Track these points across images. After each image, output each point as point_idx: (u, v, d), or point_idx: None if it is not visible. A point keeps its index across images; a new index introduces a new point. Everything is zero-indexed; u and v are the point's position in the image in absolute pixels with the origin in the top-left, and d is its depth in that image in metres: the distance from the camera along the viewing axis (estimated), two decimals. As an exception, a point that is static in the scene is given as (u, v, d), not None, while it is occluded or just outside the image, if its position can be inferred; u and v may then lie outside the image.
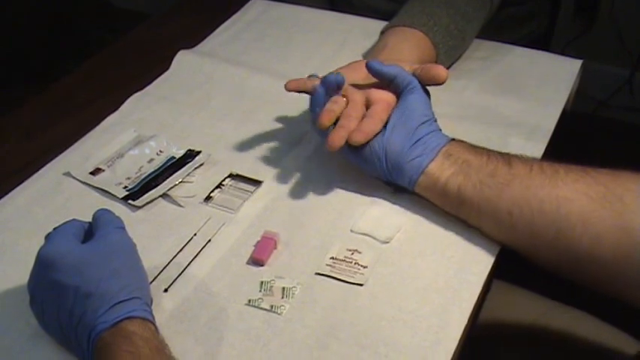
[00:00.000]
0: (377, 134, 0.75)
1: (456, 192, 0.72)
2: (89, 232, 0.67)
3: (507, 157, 0.72)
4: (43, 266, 0.63)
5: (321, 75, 0.81)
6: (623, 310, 0.69)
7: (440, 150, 0.73)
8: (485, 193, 0.70)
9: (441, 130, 0.76)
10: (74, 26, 2.44)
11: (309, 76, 0.81)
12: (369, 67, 0.78)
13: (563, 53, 1.02)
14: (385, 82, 0.78)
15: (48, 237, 0.66)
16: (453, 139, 0.75)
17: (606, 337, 0.83)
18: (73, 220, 0.68)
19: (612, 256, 0.64)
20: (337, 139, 0.74)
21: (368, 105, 0.78)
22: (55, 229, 0.67)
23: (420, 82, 0.77)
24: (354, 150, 0.75)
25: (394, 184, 0.77)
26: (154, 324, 0.62)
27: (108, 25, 2.44)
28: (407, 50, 0.88)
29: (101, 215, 0.68)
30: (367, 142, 0.75)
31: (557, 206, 0.67)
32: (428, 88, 0.79)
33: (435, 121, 0.77)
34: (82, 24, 2.47)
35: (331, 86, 0.78)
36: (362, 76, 0.81)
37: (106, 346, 0.59)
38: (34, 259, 0.65)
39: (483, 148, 0.74)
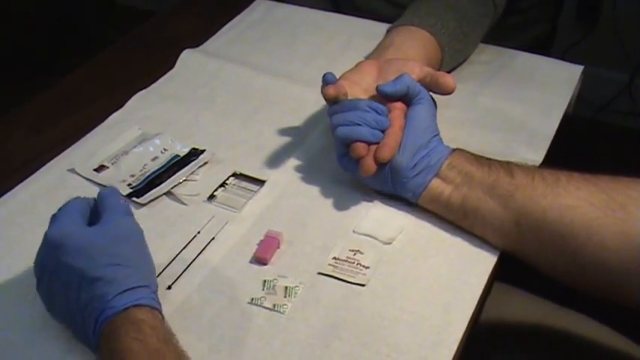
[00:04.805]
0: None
1: (460, 204, 0.73)
2: (94, 211, 0.67)
3: (509, 167, 0.72)
4: (51, 248, 0.63)
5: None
6: (623, 313, 0.69)
7: (442, 163, 0.74)
8: (489, 204, 0.71)
9: (442, 141, 0.77)
10: (77, 23, 2.44)
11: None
12: (379, 93, 0.77)
13: (563, 58, 1.03)
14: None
15: (54, 218, 0.65)
16: (455, 150, 0.76)
17: (607, 340, 0.84)
18: (77, 198, 0.67)
19: (617, 262, 0.65)
20: (371, 163, 0.74)
21: None
22: (60, 209, 0.66)
23: (427, 89, 0.78)
24: (356, 164, 0.76)
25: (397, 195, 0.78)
26: (161, 313, 0.63)
27: (111, 21, 2.44)
28: (413, 49, 0.88)
29: (108, 197, 0.67)
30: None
31: (560, 215, 0.67)
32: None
33: (438, 133, 0.77)
34: (85, 20, 2.47)
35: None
36: (372, 77, 0.81)
37: (114, 331, 0.59)
38: (41, 240, 0.64)
39: (485, 158, 0.74)
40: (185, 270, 0.73)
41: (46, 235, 0.64)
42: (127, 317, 0.60)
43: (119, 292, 0.60)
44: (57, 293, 0.63)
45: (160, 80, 1.00)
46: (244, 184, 0.82)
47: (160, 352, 0.59)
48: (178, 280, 0.72)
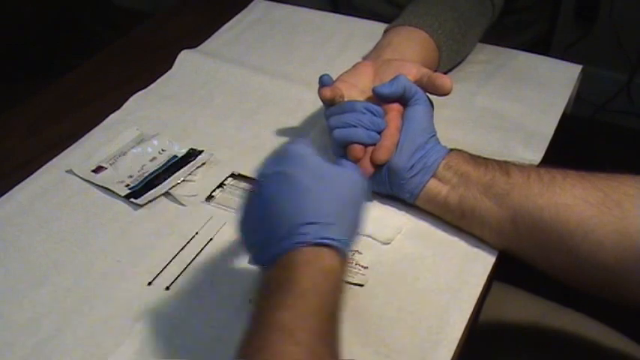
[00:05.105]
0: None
1: (457, 204, 0.72)
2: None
3: (505, 166, 0.72)
4: (285, 158, 0.61)
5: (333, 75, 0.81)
6: (622, 312, 0.69)
7: (439, 164, 0.74)
8: (486, 204, 0.71)
9: (439, 141, 0.77)
10: (76, 24, 2.44)
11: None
12: (376, 94, 0.77)
13: (562, 57, 1.03)
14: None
15: (292, 141, 0.64)
16: (452, 150, 0.75)
17: (605, 340, 0.84)
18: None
19: (614, 260, 0.65)
20: (369, 165, 0.74)
21: None
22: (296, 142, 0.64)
23: (424, 90, 0.78)
24: None
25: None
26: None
27: (108, 23, 2.44)
28: (410, 49, 0.88)
29: (345, 162, 0.66)
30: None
31: (556, 213, 0.67)
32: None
33: (435, 134, 0.77)
34: (83, 22, 2.47)
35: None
36: (369, 79, 0.81)
37: (301, 268, 0.55)
38: (277, 152, 0.63)
39: (481, 158, 0.74)
40: (183, 271, 0.72)
41: (288, 146, 0.62)
42: (321, 260, 0.55)
43: (322, 222, 0.56)
44: (262, 200, 0.59)
45: (158, 81, 1.00)
46: (243, 184, 0.82)
47: (333, 319, 0.54)
48: (176, 280, 0.71)
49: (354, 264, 0.72)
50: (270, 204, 0.59)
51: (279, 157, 0.62)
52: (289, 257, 0.56)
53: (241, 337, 0.54)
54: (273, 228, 0.58)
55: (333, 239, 0.56)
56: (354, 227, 0.61)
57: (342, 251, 0.57)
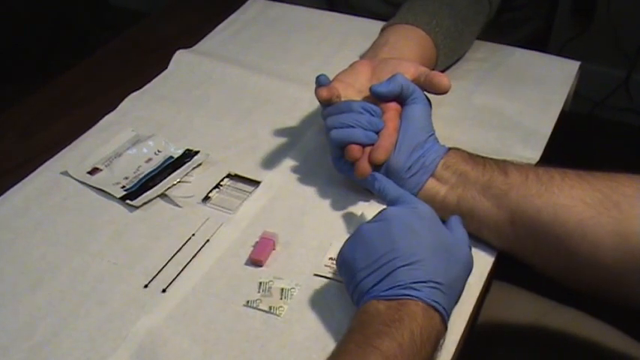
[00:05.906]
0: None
1: (456, 204, 0.72)
2: None
3: (503, 166, 0.72)
4: (421, 217, 0.65)
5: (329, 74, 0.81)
6: (622, 311, 0.69)
7: (438, 163, 0.73)
8: (484, 204, 0.70)
9: (437, 140, 0.76)
10: (71, 24, 2.43)
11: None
12: (373, 93, 0.77)
13: (560, 54, 1.02)
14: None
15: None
16: (450, 149, 0.75)
17: (606, 338, 0.84)
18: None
19: (612, 261, 0.64)
20: (366, 165, 0.74)
21: None
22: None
23: (421, 89, 0.77)
24: (353, 166, 0.75)
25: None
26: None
27: (105, 23, 2.44)
28: (408, 48, 0.87)
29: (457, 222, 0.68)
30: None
31: (554, 214, 0.67)
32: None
33: (434, 133, 0.76)
34: (79, 22, 2.46)
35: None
36: (366, 78, 0.80)
37: (415, 316, 0.58)
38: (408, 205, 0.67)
39: (480, 157, 0.74)
40: (180, 273, 0.72)
41: (417, 205, 0.67)
42: (434, 318, 0.59)
43: (439, 288, 0.60)
44: (374, 241, 0.63)
45: (154, 81, 1.00)
46: (239, 185, 0.82)
47: None
48: (173, 283, 0.71)
49: (352, 264, 0.71)
50: (374, 249, 0.63)
51: (410, 209, 0.66)
52: (402, 303, 0.59)
53: (334, 351, 0.60)
54: (394, 270, 0.61)
55: (443, 307, 0.60)
56: (456, 301, 0.64)
57: (445, 320, 0.61)
